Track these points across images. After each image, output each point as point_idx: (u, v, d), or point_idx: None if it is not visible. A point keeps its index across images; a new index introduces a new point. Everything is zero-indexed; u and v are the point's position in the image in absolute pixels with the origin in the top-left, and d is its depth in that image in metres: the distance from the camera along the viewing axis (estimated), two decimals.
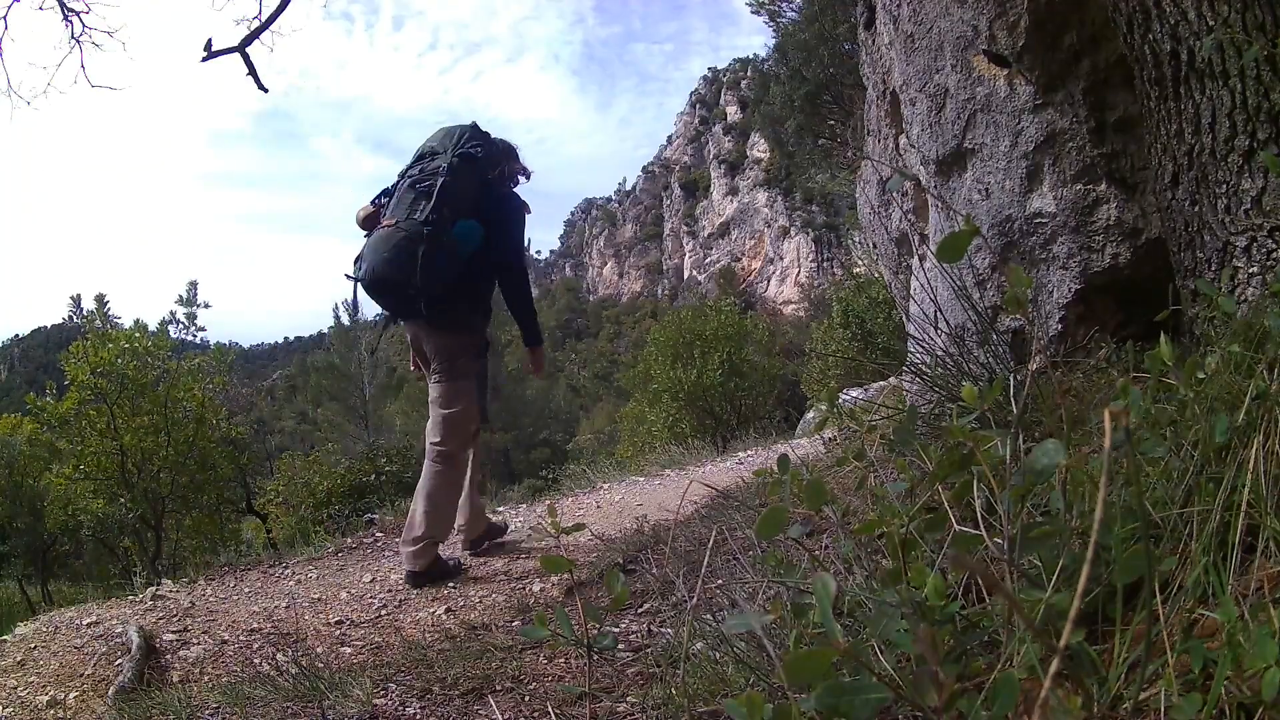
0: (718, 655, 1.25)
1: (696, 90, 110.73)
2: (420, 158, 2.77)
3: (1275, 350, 1.04)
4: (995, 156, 2.62)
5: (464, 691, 1.57)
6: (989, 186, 2.65)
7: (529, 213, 2.96)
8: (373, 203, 2.83)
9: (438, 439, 2.84)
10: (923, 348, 2.20)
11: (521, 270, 2.95)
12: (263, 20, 5.73)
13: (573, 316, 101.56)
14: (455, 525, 3.07)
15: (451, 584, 2.91)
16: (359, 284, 2.65)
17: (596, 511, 4.21)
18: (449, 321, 2.77)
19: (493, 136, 2.91)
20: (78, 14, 6.01)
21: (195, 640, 2.68)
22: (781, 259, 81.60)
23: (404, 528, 2.96)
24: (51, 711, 2.14)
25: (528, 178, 3.05)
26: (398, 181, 2.75)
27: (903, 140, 3.33)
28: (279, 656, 2.35)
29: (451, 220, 2.59)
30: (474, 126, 2.84)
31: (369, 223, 2.76)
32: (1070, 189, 2.46)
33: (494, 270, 2.86)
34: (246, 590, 3.33)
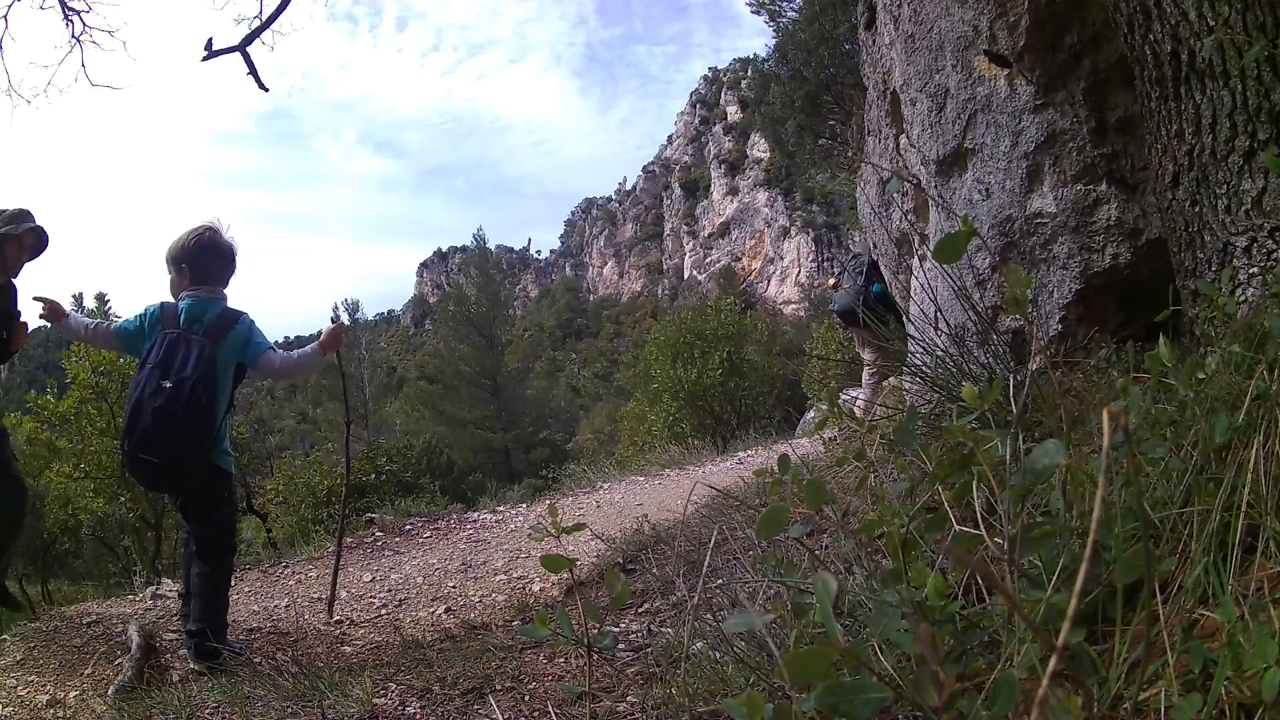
0: (718, 655, 1.25)
1: (697, 90, 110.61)
2: (854, 257, 6.00)
3: (1275, 351, 1.03)
4: (996, 156, 2.62)
5: (464, 691, 1.57)
6: (989, 186, 2.65)
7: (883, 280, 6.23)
8: (834, 277, 6.34)
9: (872, 374, 5.65)
10: (923, 348, 2.20)
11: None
12: (263, 20, 5.73)
13: (573, 316, 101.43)
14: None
15: None
16: (834, 313, 6.09)
17: (596, 511, 4.21)
18: (873, 326, 5.49)
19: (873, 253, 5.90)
20: (78, 13, 6.00)
21: None
22: (782, 259, 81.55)
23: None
24: (51, 711, 2.13)
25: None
26: (842, 271, 6.05)
27: (903, 140, 3.33)
28: (279, 656, 2.35)
29: (869, 285, 5.41)
30: (868, 253, 5.81)
31: (835, 288, 5.93)
32: (1070, 189, 2.46)
33: (880, 302, 5.69)
34: (246, 590, 3.33)
